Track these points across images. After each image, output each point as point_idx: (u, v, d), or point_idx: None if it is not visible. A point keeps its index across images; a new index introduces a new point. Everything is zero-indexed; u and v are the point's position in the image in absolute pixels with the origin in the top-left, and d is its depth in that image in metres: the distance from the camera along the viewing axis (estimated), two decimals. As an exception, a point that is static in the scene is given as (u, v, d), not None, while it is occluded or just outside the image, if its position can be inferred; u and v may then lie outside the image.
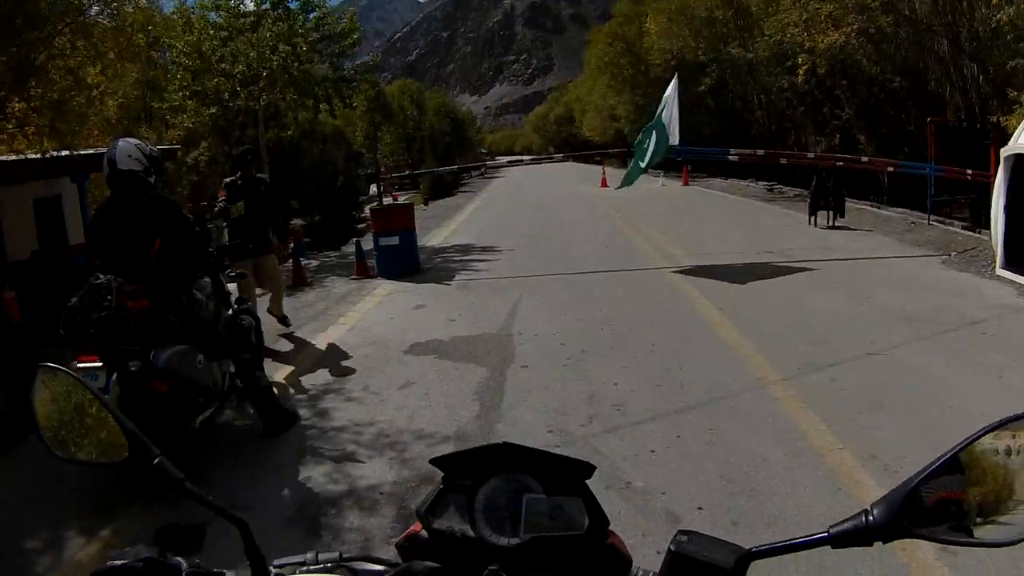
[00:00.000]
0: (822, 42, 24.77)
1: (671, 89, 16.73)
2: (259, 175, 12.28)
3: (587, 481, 1.59)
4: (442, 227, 27.51)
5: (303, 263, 17.76)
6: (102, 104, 18.68)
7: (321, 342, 11.30)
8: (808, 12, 25.27)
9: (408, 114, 71.31)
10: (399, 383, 8.98)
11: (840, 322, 10.57)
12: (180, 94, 22.28)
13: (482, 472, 1.62)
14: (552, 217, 27.25)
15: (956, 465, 1.33)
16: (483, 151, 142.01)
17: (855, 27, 24.10)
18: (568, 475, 1.60)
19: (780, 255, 15.90)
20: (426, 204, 41.29)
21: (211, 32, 21.86)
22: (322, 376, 9.58)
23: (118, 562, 1.42)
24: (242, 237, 10.52)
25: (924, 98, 27.21)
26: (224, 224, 11.74)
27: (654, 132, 16.11)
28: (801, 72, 28.23)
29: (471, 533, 1.58)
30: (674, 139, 16.16)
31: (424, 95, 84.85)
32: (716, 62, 41.32)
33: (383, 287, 15.42)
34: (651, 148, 16.35)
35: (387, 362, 9.93)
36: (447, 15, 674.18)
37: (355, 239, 20.58)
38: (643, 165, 16.85)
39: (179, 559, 1.48)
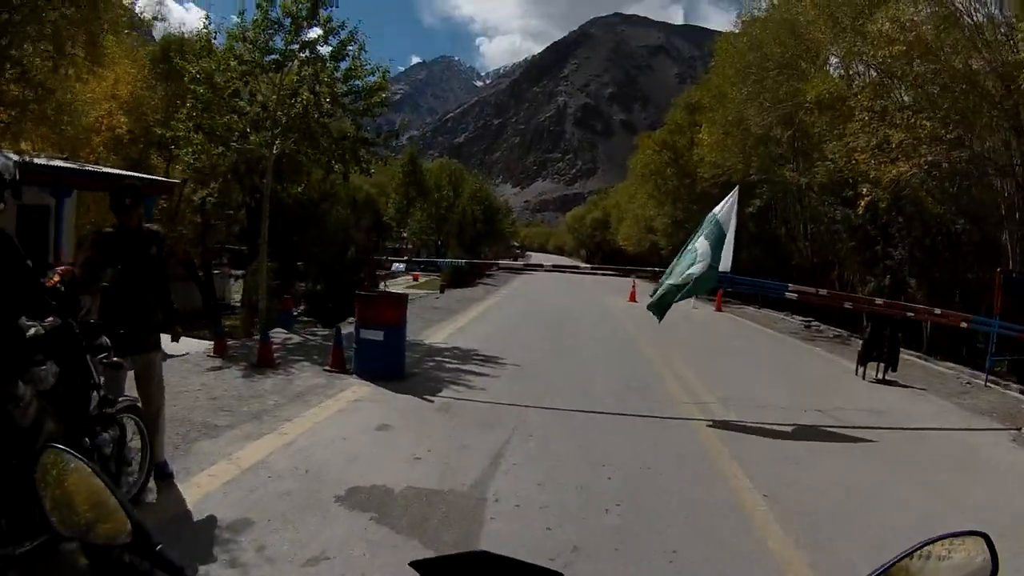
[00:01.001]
0: (889, 172, 22.92)
1: (727, 206, 13.85)
2: (150, 226, 8.15)
3: None
4: (449, 321, 25.14)
5: (271, 341, 15.61)
6: (71, 113, 17.68)
7: (239, 460, 8.56)
8: (878, 138, 23.46)
9: (443, 193, 69.74)
10: (308, 554, 6.16)
11: (911, 525, 7.75)
12: (185, 125, 19.75)
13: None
14: (571, 330, 24.58)
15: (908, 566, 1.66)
16: (515, 244, 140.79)
17: (926, 158, 22.26)
18: None
19: (830, 416, 13.24)
20: (442, 291, 39.18)
21: (232, 63, 19.37)
22: (209, 520, 6.76)
23: None
24: (113, 319, 7.04)
25: (984, 244, 26.01)
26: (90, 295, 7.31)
27: (697, 255, 13.28)
28: (862, 203, 26.00)
29: None
30: (725, 265, 13.38)
31: (463, 176, 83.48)
32: (767, 183, 39.33)
33: (353, 389, 12.98)
34: (692, 272, 13.28)
35: (308, 511, 7.11)
36: (500, 103, 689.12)
37: (338, 324, 17.99)
38: (677, 294, 13.46)
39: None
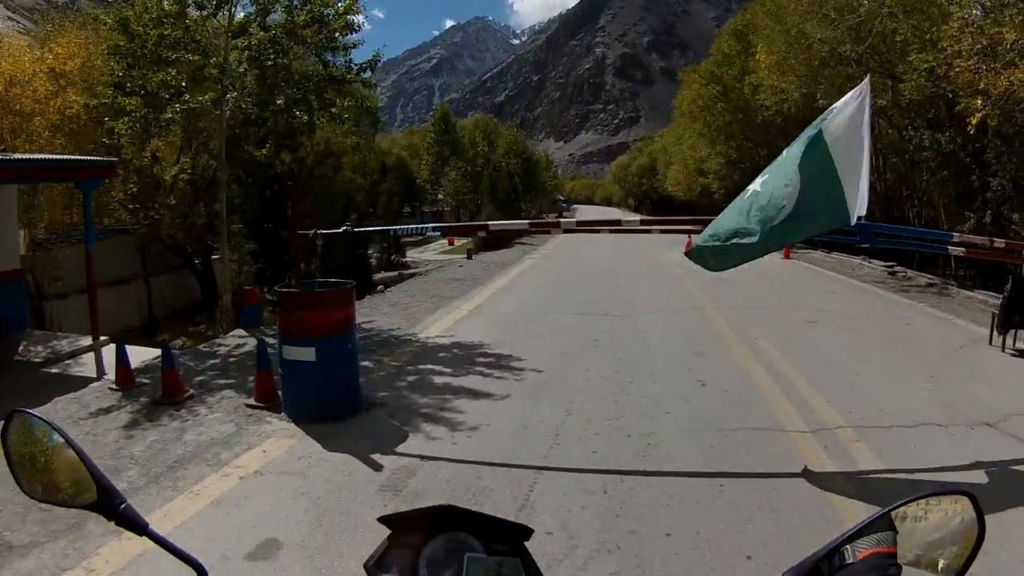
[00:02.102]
0: (1000, 83, 17.92)
1: (849, 112, 7.76)
2: None
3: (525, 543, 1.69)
4: (462, 298, 20.14)
5: (176, 367, 11.04)
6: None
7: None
8: (986, 38, 18.27)
9: (479, 150, 66.09)
10: None
11: None
12: (108, 91, 16.48)
13: (427, 531, 1.72)
14: (617, 300, 19.15)
15: (887, 524, 1.52)
16: (559, 198, 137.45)
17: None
18: (508, 537, 1.70)
19: (1010, 436, 8.39)
20: (469, 256, 34.51)
21: (150, 4, 15.52)
22: None
23: None
24: None
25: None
26: None
27: (794, 188, 7.31)
28: (973, 120, 20.39)
29: None
30: (861, 209, 7.39)
31: (498, 131, 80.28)
32: (838, 109, 33.70)
33: (268, 444, 8.48)
34: (779, 213, 7.76)
35: None
36: (538, 59, 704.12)
37: (259, 337, 12.22)
38: (758, 241, 7.23)
39: None
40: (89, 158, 18.49)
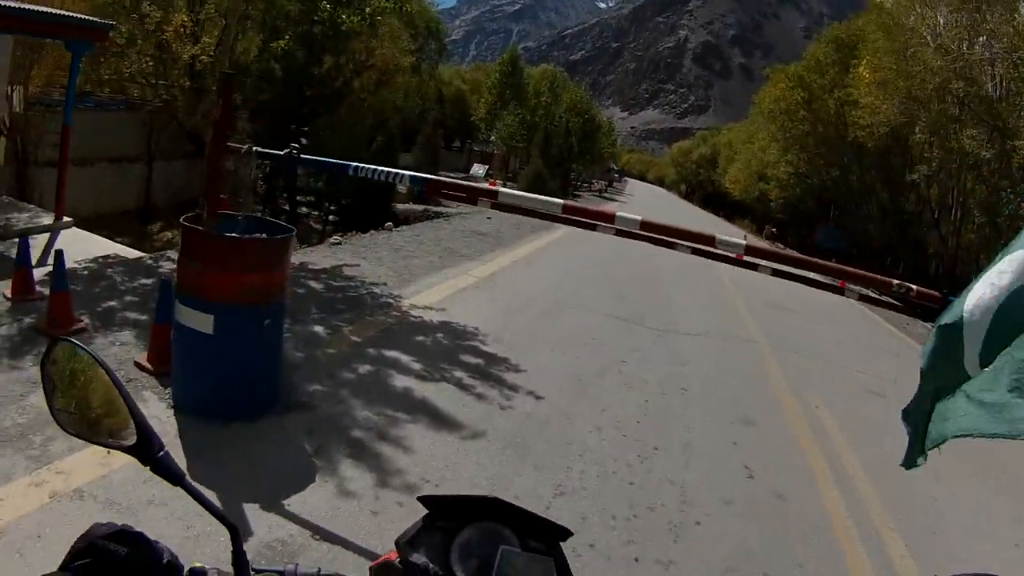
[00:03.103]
0: None
1: None
2: None
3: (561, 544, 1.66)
4: (476, 262, 17.29)
5: (69, 289, 8.38)
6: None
7: None
8: None
9: (541, 100, 64.22)
10: None
11: None
12: None
13: (465, 518, 1.70)
14: (656, 307, 16.26)
15: None
16: (612, 167, 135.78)
17: None
18: (545, 536, 1.68)
19: None
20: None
21: None
22: None
23: (101, 535, 1.43)
24: None
25: None
26: None
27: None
28: None
29: (442, 573, 1.63)
30: None
31: (566, 86, 78.61)
32: (938, 148, 32.77)
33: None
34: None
35: None
36: (621, 28, 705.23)
37: (166, 277, 8.68)
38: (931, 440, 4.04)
39: (162, 545, 1.50)
40: (80, 16, 16.20)
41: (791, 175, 51.11)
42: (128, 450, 1.59)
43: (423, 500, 1.72)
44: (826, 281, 5.61)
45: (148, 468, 1.58)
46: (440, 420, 7.36)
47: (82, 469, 5.35)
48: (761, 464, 7.90)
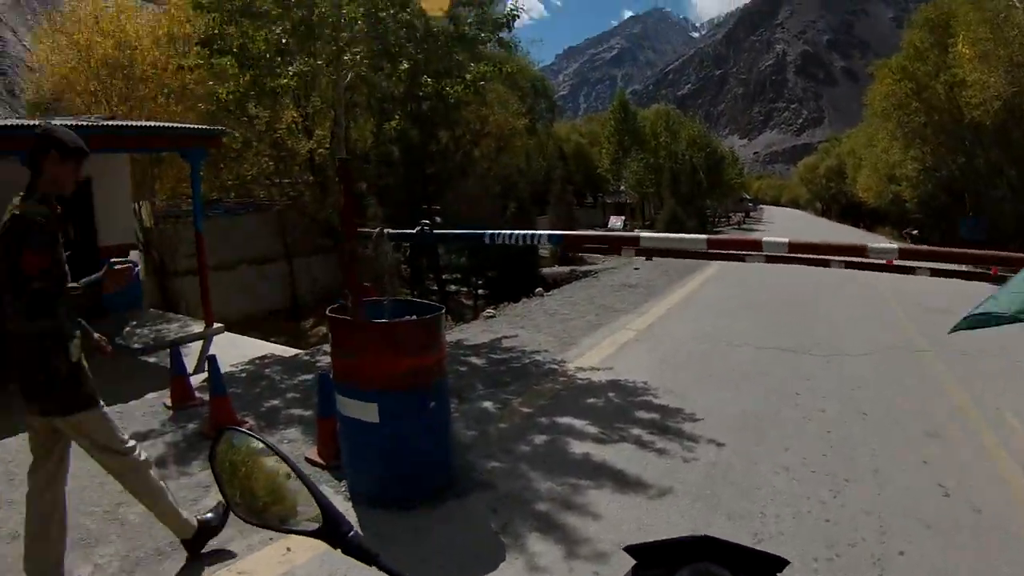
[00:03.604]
0: None
1: None
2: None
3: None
4: (632, 314, 16.82)
5: (227, 396, 8.41)
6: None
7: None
8: None
9: (661, 141, 64.08)
10: None
11: None
12: (199, 51, 14.52)
13: (674, 562, 1.56)
14: (818, 330, 15.49)
15: None
16: (745, 197, 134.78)
17: None
18: (760, 568, 1.55)
19: None
20: (649, 257, 30.87)
21: None
22: None
23: None
24: None
25: None
26: None
27: None
28: None
29: None
30: None
31: (681, 123, 78.26)
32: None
33: (297, 540, 5.34)
34: None
35: None
36: (719, 54, 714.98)
37: (321, 372, 8.72)
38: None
39: None
40: (191, 126, 17.07)
41: (919, 171, 49.37)
42: (316, 534, 1.60)
43: (629, 550, 1.59)
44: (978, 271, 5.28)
45: (339, 550, 1.56)
46: (624, 482, 7.04)
47: (261, 569, 5.29)
48: (954, 480, 7.32)
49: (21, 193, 4.85)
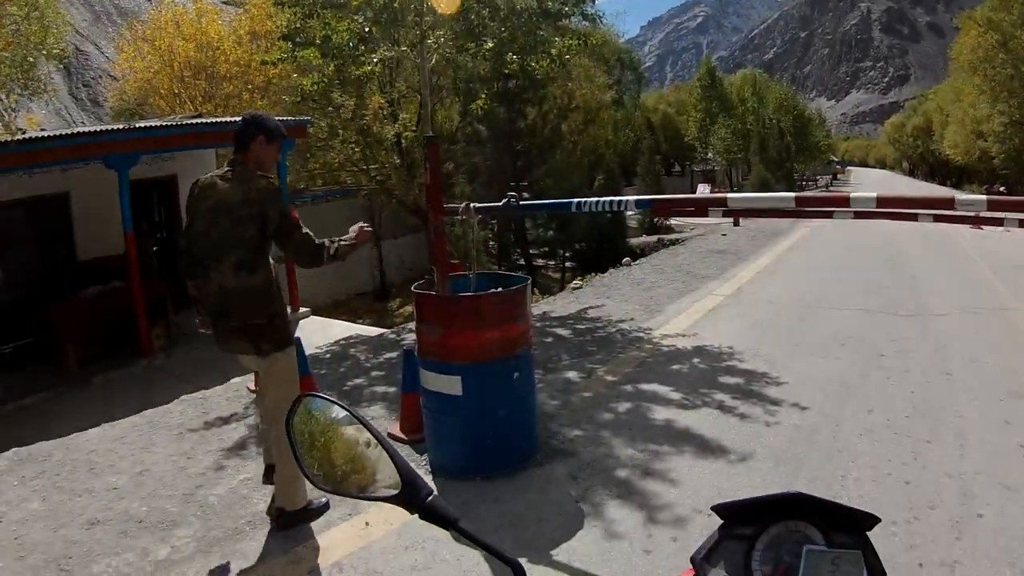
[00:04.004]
0: None
1: None
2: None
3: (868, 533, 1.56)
4: (719, 280, 16.78)
5: (311, 377, 8.41)
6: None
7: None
8: None
9: (748, 106, 63.57)
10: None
11: None
12: (281, 46, 14.85)
13: (762, 521, 1.60)
14: (903, 289, 15.31)
15: None
16: (833, 159, 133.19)
17: None
18: (851, 526, 1.58)
19: None
20: (736, 223, 30.49)
21: None
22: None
23: None
24: None
25: None
26: None
27: None
28: None
29: None
30: None
31: (768, 86, 77.54)
32: None
33: (374, 515, 5.57)
34: None
35: None
36: (803, 15, 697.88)
37: (405, 347, 8.60)
38: None
39: None
40: (298, 118, 17.57)
41: (1006, 125, 48.05)
42: (394, 500, 1.58)
43: (717, 509, 1.63)
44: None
45: (418, 515, 1.56)
46: (706, 447, 7.03)
47: (339, 544, 5.34)
48: (1038, 441, 7.20)
49: (227, 168, 5.60)
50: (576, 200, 5.76)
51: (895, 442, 7.10)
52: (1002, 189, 57.06)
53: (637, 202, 5.67)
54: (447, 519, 1.53)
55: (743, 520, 1.60)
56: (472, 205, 6.35)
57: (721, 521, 1.63)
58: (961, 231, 23.91)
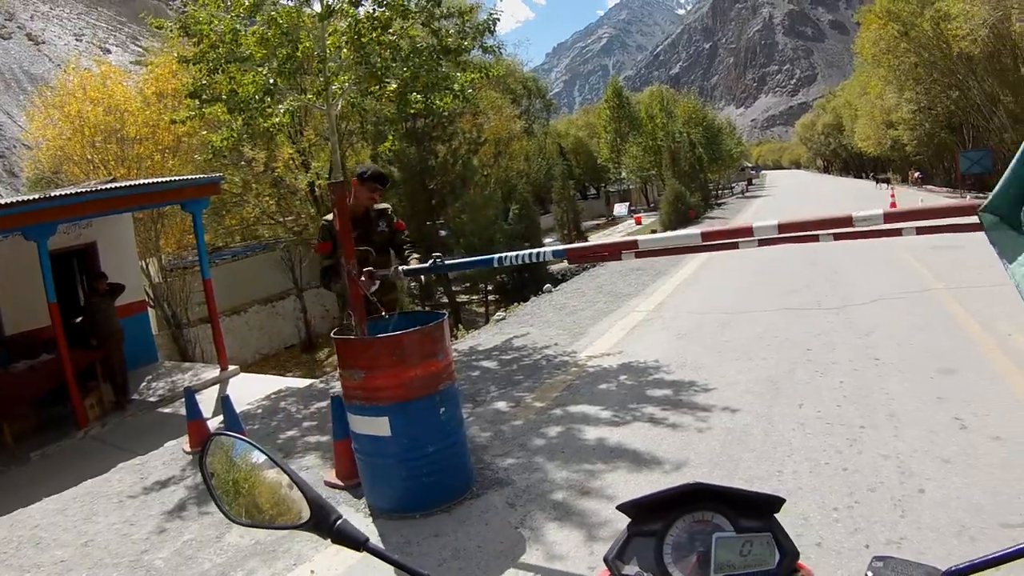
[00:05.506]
0: None
1: None
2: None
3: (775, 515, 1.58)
4: (641, 296, 16.79)
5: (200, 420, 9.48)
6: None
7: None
8: None
9: (657, 123, 64.05)
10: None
11: None
12: (189, 103, 13.95)
13: (669, 514, 1.63)
14: (827, 281, 15.85)
15: None
16: (747, 165, 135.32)
17: None
18: (758, 510, 1.61)
19: None
20: (654, 232, 30.77)
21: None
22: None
23: None
24: None
25: None
26: None
27: None
28: None
29: None
30: None
31: (675, 100, 78.38)
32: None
33: (320, 561, 5.83)
34: None
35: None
36: (706, 27, 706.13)
37: (334, 395, 8.18)
38: None
39: None
40: (186, 177, 17.13)
41: (914, 112, 49.61)
42: (304, 527, 1.61)
43: (622, 508, 1.65)
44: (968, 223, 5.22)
45: (330, 540, 1.59)
46: (640, 460, 7.05)
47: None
48: (971, 411, 7.35)
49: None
50: (497, 256, 5.81)
51: (829, 432, 7.22)
52: (918, 175, 58.30)
53: (554, 252, 5.78)
54: (356, 541, 1.56)
55: (650, 516, 1.63)
56: (400, 268, 6.49)
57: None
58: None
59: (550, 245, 34.55)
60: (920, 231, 4.86)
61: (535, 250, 5.80)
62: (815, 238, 4.98)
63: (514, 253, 5.75)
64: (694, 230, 5.37)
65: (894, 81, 49.50)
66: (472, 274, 28.49)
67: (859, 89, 70.39)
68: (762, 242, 4.97)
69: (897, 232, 4.81)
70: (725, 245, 5.43)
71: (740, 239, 5.08)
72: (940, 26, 38.60)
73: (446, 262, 6.31)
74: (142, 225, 19.83)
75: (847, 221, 4.58)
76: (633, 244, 5.53)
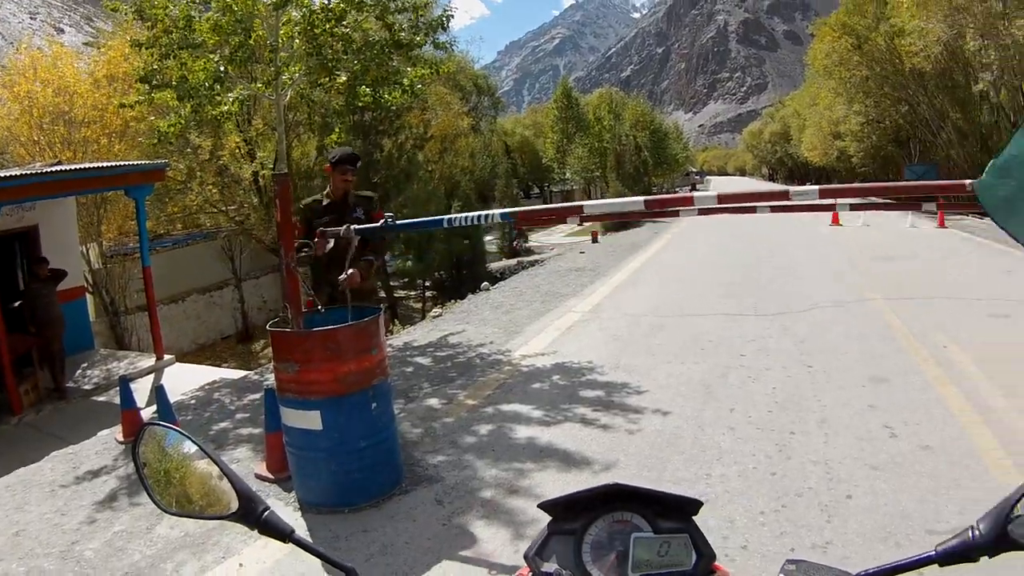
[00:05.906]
0: None
1: None
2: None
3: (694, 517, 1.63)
4: (578, 297, 16.88)
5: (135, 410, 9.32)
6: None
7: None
8: None
9: (604, 125, 63.95)
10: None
11: None
12: (140, 88, 13.52)
13: (589, 514, 1.66)
14: (766, 290, 15.88)
15: None
16: (692, 170, 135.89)
17: None
18: (676, 512, 1.65)
19: None
20: (594, 240, 30.88)
21: None
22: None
23: None
24: None
25: None
26: None
27: None
28: None
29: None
30: None
31: (624, 104, 78.19)
32: (994, 49, 31.90)
33: (248, 554, 5.79)
34: None
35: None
36: (660, 32, 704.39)
37: (267, 387, 8.25)
38: None
39: None
40: (131, 163, 16.75)
41: (863, 124, 50.24)
42: (232, 517, 1.63)
43: (543, 507, 1.68)
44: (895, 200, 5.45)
45: (257, 531, 1.62)
46: (569, 460, 7.11)
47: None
48: (901, 419, 7.53)
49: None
50: (447, 216, 5.88)
51: (759, 437, 7.33)
52: (862, 186, 59.21)
53: (502, 215, 5.85)
54: (282, 532, 1.60)
55: (570, 515, 1.66)
56: (352, 228, 6.36)
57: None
58: (820, 230, 24.82)
59: (491, 241, 34.65)
60: (853, 207, 5.03)
61: (484, 212, 5.87)
62: (752, 209, 5.11)
63: (463, 215, 5.80)
64: (638, 198, 5.46)
65: (844, 93, 49.93)
66: (409, 269, 28.46)
67: (809, 99, 71.10)
68: (702, 211, 5.09)
69: (831, 207, 4.98)
70: (667, 213, 5.55)
71: (681, 207, 5.20)
72: (894, 41, 38.99)
73: (396, 222, 6.31)
74: (84, 209, 19.54)
75: (784, 195, 4.72)
76: (579, 209, 5.63)
